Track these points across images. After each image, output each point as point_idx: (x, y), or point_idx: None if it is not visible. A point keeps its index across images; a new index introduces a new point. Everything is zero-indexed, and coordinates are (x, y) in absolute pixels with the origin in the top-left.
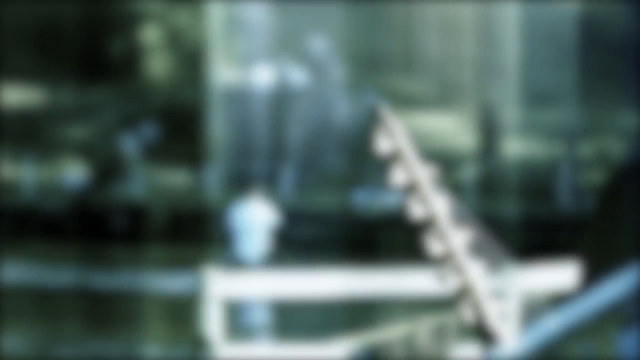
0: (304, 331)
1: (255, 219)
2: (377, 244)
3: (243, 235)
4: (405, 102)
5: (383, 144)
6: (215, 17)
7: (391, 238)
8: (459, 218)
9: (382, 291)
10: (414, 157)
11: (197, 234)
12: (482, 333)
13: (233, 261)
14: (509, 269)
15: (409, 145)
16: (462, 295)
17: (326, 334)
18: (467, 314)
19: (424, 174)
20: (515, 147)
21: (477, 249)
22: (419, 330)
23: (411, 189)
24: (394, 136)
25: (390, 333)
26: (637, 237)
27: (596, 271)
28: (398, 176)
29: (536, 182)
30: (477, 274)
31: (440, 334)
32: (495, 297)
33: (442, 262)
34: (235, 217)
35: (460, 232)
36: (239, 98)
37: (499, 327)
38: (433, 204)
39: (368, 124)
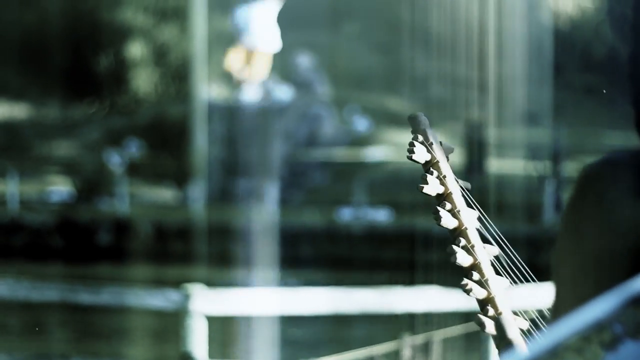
0: (288, 348)
1: None
2: (362, 260)
3: None
4: (391, 119)
5: (419, 152)
6: (201, 32)
7: (377, 255)
8: (486, 234)
9: (366, 307)
10: (448, 169)
11: (182, 249)
12: (501, 343)
13: None
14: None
15: (444, 157)
16: (485, 307)
17: (311, 351)
18: (488, 325)
19: (456, 186)
20: (500, 165)
21: (501, 265)
22: (404, 346)
23: (443, 199)
24: (430, 145)
25: (375, 350)
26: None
27: (564, 277)
28: (432, 184)
29: (521, 200)
30: (501, 288)
31: (425, 350)
32: (516, 313)
33: (467, 273)
34: None
35: (487, 247)
36: (225, 114)
37: (517, 339)
38: (463, 217)
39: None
